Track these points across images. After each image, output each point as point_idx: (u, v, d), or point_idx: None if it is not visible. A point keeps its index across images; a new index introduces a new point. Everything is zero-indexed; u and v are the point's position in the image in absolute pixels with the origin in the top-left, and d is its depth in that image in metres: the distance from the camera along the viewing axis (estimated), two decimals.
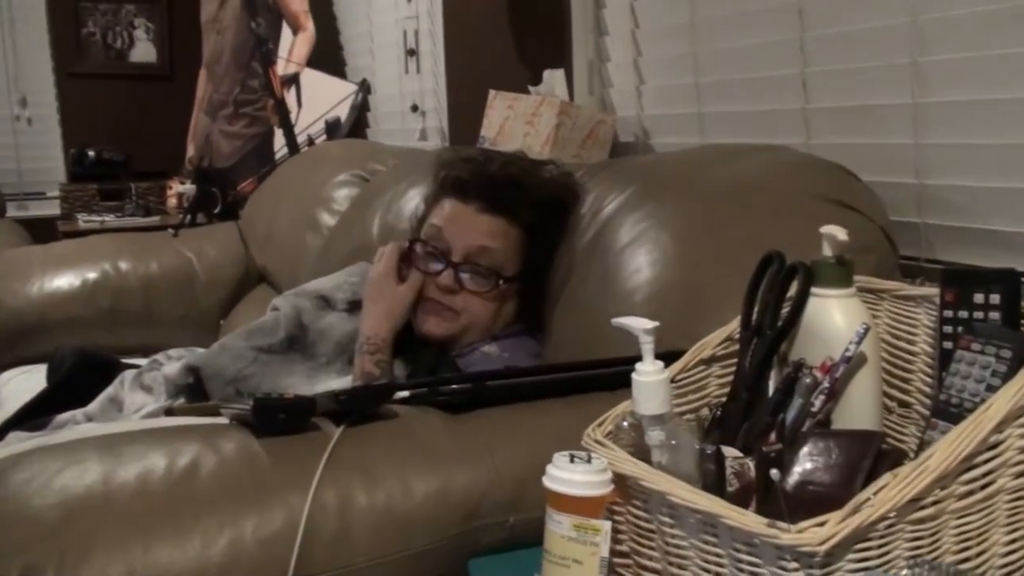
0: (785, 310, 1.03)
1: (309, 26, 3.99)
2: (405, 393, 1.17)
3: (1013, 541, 0.84)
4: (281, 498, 0.97)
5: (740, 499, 0.86)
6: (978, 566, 0.82)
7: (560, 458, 0.91)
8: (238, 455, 1.02)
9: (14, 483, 0.97)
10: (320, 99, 3.84)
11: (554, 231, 1.65)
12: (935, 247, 1.44)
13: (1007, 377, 0.86)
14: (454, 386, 1.17)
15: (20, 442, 1.46)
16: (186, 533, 0.93)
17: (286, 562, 0.94)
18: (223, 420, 1.16)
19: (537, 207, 1.63)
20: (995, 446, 0.81)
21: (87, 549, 0.91)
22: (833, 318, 0.99)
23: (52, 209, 4.71)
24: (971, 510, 0.81)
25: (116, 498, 0.96)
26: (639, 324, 0.97)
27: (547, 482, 0.90)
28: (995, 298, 0.92)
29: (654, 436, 0.94)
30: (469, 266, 1.60)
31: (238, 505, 0.97)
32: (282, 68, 4.05)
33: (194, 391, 1.68)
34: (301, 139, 3.86)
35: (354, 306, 1.75)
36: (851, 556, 0.75)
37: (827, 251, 1.01)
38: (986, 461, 0.80)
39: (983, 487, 0.81)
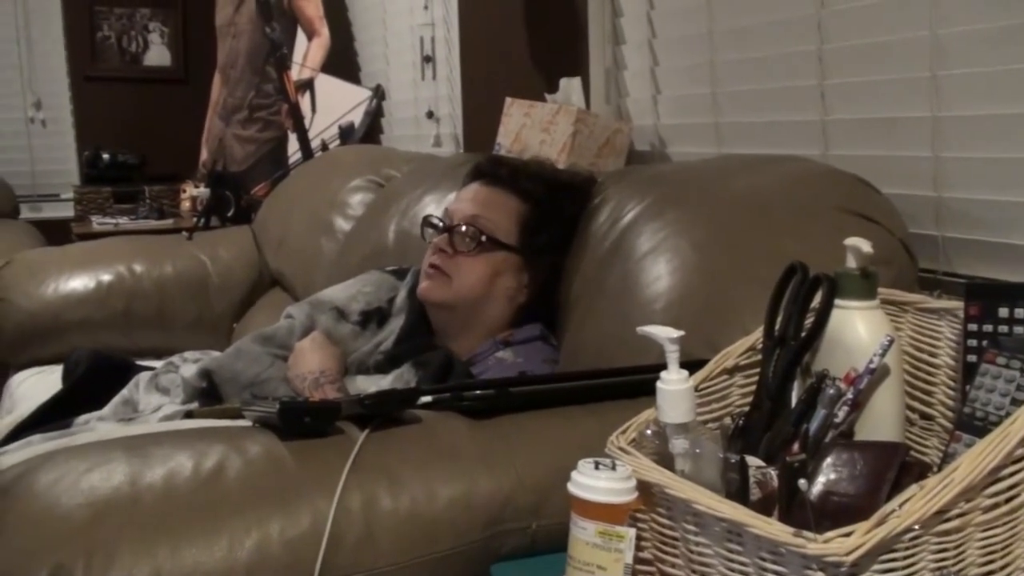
0: (808, 321, 1.03)
1: (324, 32, 4.01)
2: (428, 398, 1.18)
3: None
4: (307, 501, 0.98)
5: (763, 508, 0.87)
6: None
7: (585, 465, 0.91)
8: (264, 457, 1.03)
9: (42, 483, 0.98)
10: (334, 104, 3.86)
11: (558, 205, 1.71)
12: (953, 260, 1.45)
13: None
14: (477, 392, 1.18)
15: (42, 443, 1.47)
16: (213, 534, 0.94)
17: (312, 564, 0.95)
18: (245, 422, 1.17)
19: (536, 180, 1.72)
20: (1020, 459, 0.81)
21: (115, 549, 0.92)
22: (857, 330, 1.00)
23: (66, 211, 4.73)
24: (996, 523, 0.81)
25: (143, 499, 0.97)
26: (665, 333, 0.98)
27: (572, 488, 0.91)
28: (1020, 312, 0.93)
29: (678, 444, 0.94)
30: (458, 228, 1.68)
31: (264, 507, 0.97)
32: (296, 73, 4.07)
33: (207, 394, 1.69)
34: (315, 144, 3.88)
35: (367, 318, 1.77)
36: (877, 567, 0.76)
37: (851, 263, 1.01)
38: (1011, 474, 0.81)
39: (1008, 500, 0.82)
